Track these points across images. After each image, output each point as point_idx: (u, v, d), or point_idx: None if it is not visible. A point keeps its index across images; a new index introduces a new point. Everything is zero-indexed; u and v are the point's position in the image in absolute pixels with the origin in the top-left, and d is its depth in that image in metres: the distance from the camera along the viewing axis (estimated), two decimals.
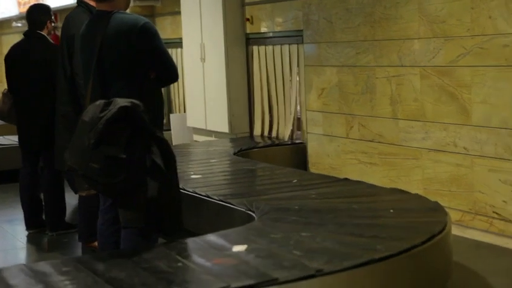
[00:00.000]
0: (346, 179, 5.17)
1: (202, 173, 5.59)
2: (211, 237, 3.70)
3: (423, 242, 3.50)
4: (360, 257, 3.25)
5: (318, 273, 3.09)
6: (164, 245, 3.64)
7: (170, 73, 4.00)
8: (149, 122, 3.54)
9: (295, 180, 5.03)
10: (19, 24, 14.54)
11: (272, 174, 5.41)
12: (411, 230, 3.72)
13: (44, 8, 6.06)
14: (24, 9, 13.03)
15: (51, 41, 5.98)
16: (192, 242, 3.67)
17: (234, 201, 4.46)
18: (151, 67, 3.89)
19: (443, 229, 3.74)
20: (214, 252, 3.47)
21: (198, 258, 3.40)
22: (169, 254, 3.41)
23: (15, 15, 13.91)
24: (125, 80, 3.82)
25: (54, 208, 5.92)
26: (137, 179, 3.50)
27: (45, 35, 5.92)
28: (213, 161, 6.12)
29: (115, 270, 3.18)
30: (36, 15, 5.95)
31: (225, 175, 5.73)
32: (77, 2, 5.18)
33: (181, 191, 4.07)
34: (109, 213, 3.97)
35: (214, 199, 4.62)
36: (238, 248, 3.39)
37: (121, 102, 3.45)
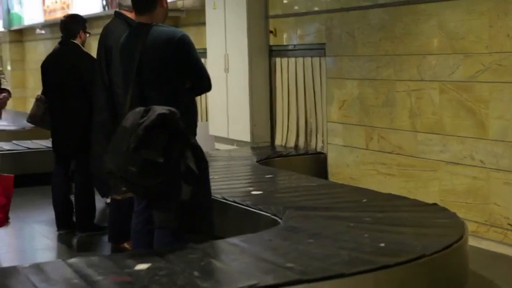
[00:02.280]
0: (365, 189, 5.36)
1: (228, 179, 5.81)
2: (235, 240, 3.91)
3: (442, 249, 3.68)
4: (378, 262, 3.42)
5: (339, 276, 3.27)
6: (195, 246, 3.84)
7: (204, 83, 4.25)
8: (185, 129, 3.76)
9: (314, 184, 5.26)
10: (43, 32, 14.83)
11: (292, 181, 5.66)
12: (431, 237, 3.90)
13: (78, 18, 6.32)
14: (50, 17, 13.35)
15: (85, 49, 6.21)
16: (219, 244, 3.87)
17: (260, 207, 4.66)
18: (187, 77, 4.12)
19: (461, 238, 3.91)
20: (239, 253, 3.66)
21: (225, 258, 3.59)
22: (200, 253, 3.61)
23: (40, 23, 14.18)
24: (162, 88, 4.06)
25: (84, 210, 6.13)
26: (173, 182, 3.72)
27: (79, 43, 6.16)
28: (237, 168, 6.32)
29: (151, 268, 3.38)
30: (70, 24, 6.21)
31: (249, 182, 5.93)
32: (115, 14, 5.40)
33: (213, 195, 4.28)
34: (143, 214, 4.17)
35: (240, 204, 4.82)
36: (140, 267, 3.45)
37: (159, 109, 3.68)
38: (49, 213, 6.32)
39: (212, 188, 5.10)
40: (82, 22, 6.23)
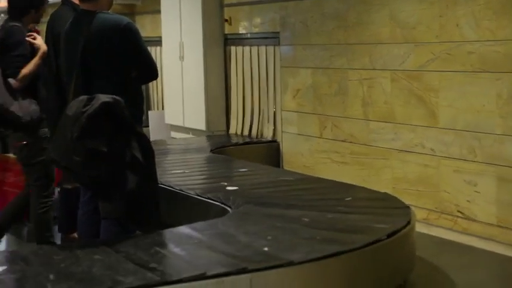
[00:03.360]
0: (318, 178, 5.38)
1: (180, 168, 5.77)
2: (185, 229, 3.89)
3: (388, 236, 3.71)
4: (326, 250, 3.44)
5: (287, 264, 3.28)
6: (141, 236, 3.82)
7: (150, 71, 4.17)
8: (130, 117, 3.71)
9: (281, 179, 5.24)
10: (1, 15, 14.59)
11: (247, 171, 5.64)
12: (377, 224, 3.93)
13: None
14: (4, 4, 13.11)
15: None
16: (167, 233, 3.85)
17: (210, 196, 4.66)
18: (132, 65, 4.06)
19: (407, 224, 3.95)
20: (187, 241, 3.66)
21: (173, 248, 3.58)
22: (146, 243, 3.59)
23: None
24: (107, 77, 3.98)
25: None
26: (117, 172, 3.67)
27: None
28: (190, 157, 6.30)
29: (94, 258, 3.35)
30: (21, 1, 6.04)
31: (201, 171, 5.91)
32: (62, 1, 5.32)
33: (160, 185, 4.25)
34: (90, 204, 4.13)
35: (191, 194, 4.80)
36: None
37: (103, 98, 3.63)
38: None
39: (163, 177, 5.10)
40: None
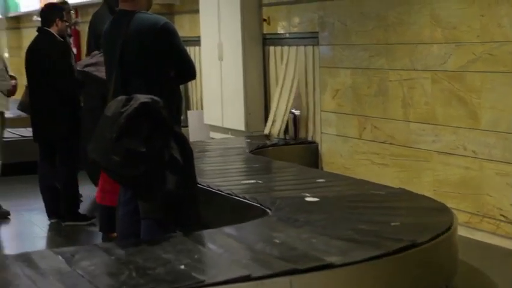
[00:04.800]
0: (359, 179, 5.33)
1: (219, 169, 5.78)
2: (226, 230, 3.88)
3: (430, 240, 3.66)
4: (367, 253, 3.40)
5: (327, 266, 3.25)
6: (182, 236, 3.82)
7: (188, 71, 4.19)
8: (168, 118, 3.71)
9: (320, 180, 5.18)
10: (39, 19, 14.77)
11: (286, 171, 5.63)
12: (419, 228, 3.88)
13: (55, 7, 6.40)
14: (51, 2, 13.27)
15: (59, 37, 6.22)
16: (208, 234, 3.85)
17: (250, 197, 4.64)
18: (170, 65, 4.07)
19: (449, 228, 3.89)
20: (228, 242, 3.65)
21: (215, 249, 3.57)
22: (187, 244, 3.59)
23: (36, 10, 14.11)
24: (145, 77, 4.02)
25: (68, 200, 6.14)
26: (156, 172, 3.67)
27: (54, 32, 6.18)
28: (229, 158, 6.30)
29: (136, 257, 3.36)
30: (47, 13, 6.31)
31: (240, 172, 5.91)
32: (104, 1, 5.39)
33: (198, 185, 4.25)
34: (129, 204, 4.14)
35: (229, 194, 4.79)
36: None
37: (142, 98, 3.64)
38: (40, 202, 6.31)
39: (202, 177, 5.10)
40: (59, 11, 6.29)
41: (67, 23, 6.33)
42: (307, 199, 4.51)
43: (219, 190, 4.91)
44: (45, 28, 6.22)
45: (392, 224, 3.92)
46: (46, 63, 6.07)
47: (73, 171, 6.16)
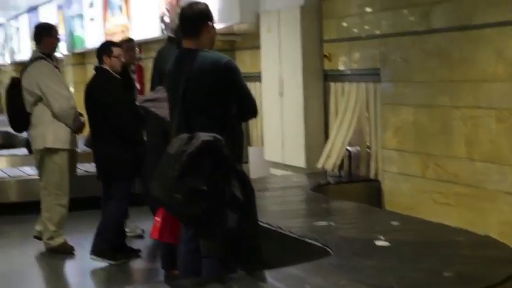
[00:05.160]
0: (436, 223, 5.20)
1: (280, 207, 5.74)
2: (289, 270, 3.84)
3: (502, 281, 3.58)
4: None
5: None
6: (244, 275, 3.78)
7: (250, 109, 4.22)
8: (230, 156, 3.72)
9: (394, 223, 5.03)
10: None
11: (347, 210, 5.54)
12: (484, 271, 3.78)
13: (102, 45, 6.56)
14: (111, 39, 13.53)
15: (114, 74, 6.34)
16: (271, 273, 3.81)
17: (311, 236, 4.58)
18: (232, 103, 4.10)
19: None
20: (293, 282, 3.61)
21: None
22: (249, 283, 3.56)
23: None
24: (208, 114, 4.06)
25: (104, 233, 6.24)
26: (217, 211, 3.68)
27: (107, 67, 6.33)
28: (289, 195, 6.25)
29: None
30: (97, 51, 6.48)
31: (301, 210, 5.85)
32: (168, 38, 5.49)
33: (260, 223, 4.23)
34: (192, 242, 4.15)
35: (292, 234, 4.74)
36: None
37: (204, 136, 3.67)
38: None
39: (263, 215, 5.06)
40: (106, 48, 6.44)
41: (138, 56, 6.48)
42: (378, 243, 4.38)
43: (280, 228, 4.87)
44: (99, 65, 6.37)
45: (446, 274, 3.79)
46: (101, 100, 6.19)
47: (122, 209, 6.22)
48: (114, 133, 6.14)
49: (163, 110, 4.98)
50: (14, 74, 23.08)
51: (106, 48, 6.40)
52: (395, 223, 4.96)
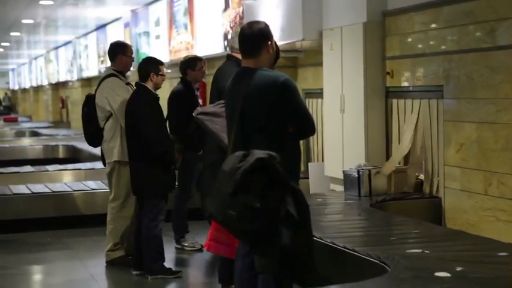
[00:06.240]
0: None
1: (339, 223, 5.73)
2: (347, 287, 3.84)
3: None
4: None
5: None
6: None
7: (307, 127, 4.22)
8: (285, 173, 3.74)
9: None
10: (169, 71, 15.29)
11: (408, 228, 5.49)
12: None
13: (151, 61, 6.53)
14: (175, 57, 13.75)
15: (152, 91, 6.37)
16: None
17: (369, 253, 4.56)
18: (289, 122, 4.11)
19: None
20: None
21: None
22: None
23: (166, 63, 14.60)
24: (265, 132, 4.08)
25: (149, 254, 6.26)
26: (272, 228, 3.70)
27: (150, 86, 6.34)
28: (349, 211, 6.24)
29: None
30: (143, 67, 6.44)
31: (360, 226, 5.83)
32: (227, 56, 5.53)
33: (316, 239, 4.23)
34: (248, 257, 4.17)
35: (349, 249, 4.73)
36: None
37: (258, 153, 3.70)
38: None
39: (320, 231, 5.07)
40: (154, 65, 6.42)
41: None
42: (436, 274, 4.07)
43: (334, 244, 4.85)
44: (139, 82, 6.38)
45: None
46: (134, 116, 6.23)
47: (154, 226, 6.25)
48: (142, 150, 6.18)
49: (216, 125, 5.00)
50: (81, 91, 23.54)
51: (155, 65, 6.40)
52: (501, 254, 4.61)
